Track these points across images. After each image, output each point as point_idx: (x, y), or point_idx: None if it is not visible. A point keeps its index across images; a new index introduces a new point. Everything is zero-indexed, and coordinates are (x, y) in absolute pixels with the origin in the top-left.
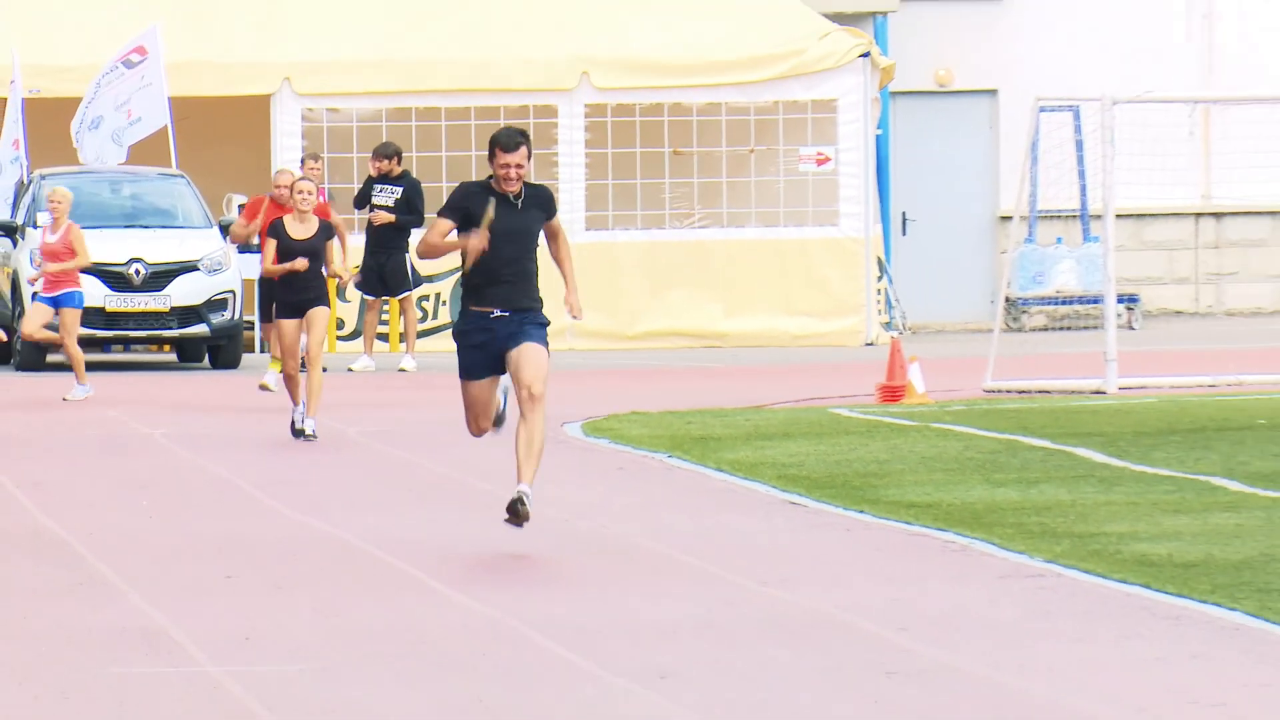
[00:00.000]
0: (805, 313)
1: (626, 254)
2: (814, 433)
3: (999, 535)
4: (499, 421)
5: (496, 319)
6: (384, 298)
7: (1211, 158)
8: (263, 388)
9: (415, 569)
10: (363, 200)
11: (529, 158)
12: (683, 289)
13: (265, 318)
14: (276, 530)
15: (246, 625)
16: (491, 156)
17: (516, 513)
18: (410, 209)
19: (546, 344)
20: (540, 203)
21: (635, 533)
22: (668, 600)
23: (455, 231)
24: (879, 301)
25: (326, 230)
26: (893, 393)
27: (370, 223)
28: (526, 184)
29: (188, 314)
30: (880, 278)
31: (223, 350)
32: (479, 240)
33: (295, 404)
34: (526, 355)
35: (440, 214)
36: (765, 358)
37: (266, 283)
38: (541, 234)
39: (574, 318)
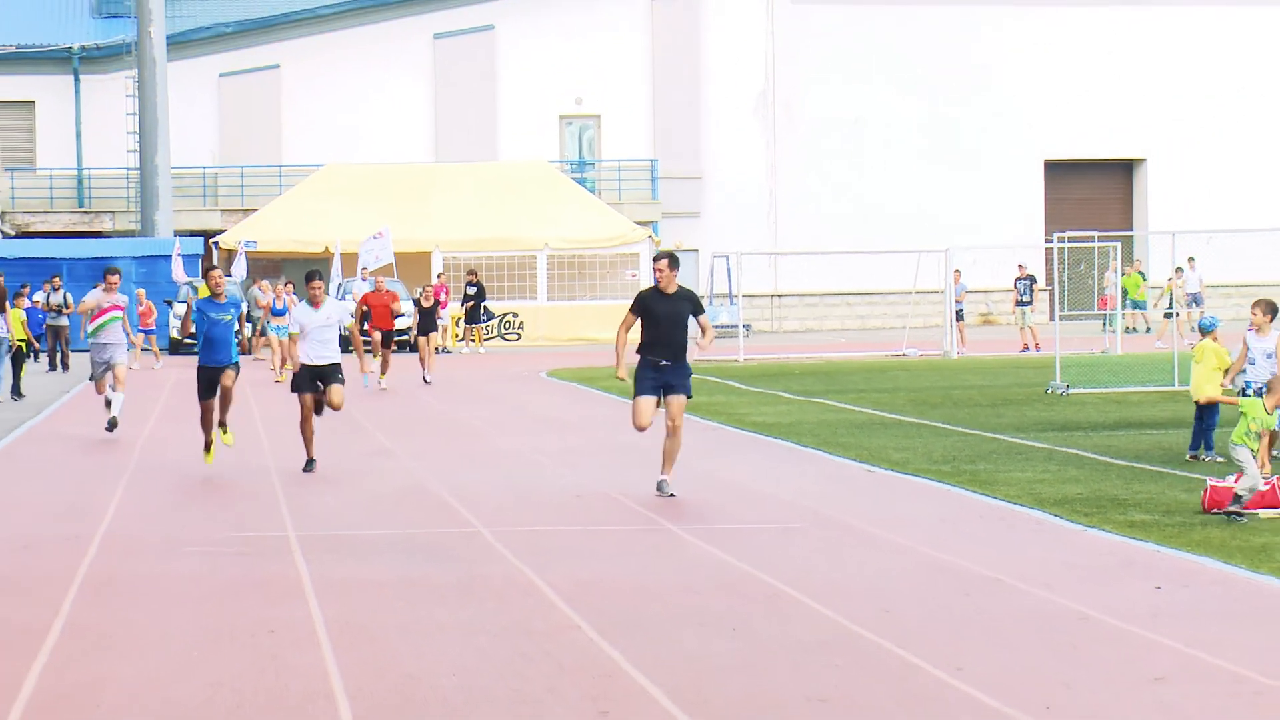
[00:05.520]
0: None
1: (581, 311)
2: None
3: (700, 415)
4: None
5: (663, 365)
6: (471, 326)
7: (778, 272)
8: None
9: (487, 428)
10: (465, 295)
11: (674, 267)
12: (587, 323)
13: (420, 333)
14: (431, 413)
15: (424, 449)
16: (655, 268)
17: (661, 489)
18: (480, 295)
19: (690, 390)
20: (689, 299)
21: (545, 406)
22: (568, 436)
23: (638, 321)
24: None
25: (437, 303)
26: None
27: (465, 297)
28: (681, 286)
29: (401, 332)
30: None
31: (409, 346)
32: (621, 375)
33: (424, 369)
34: (675, 401)
35: (630, 310)
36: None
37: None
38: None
39: (700, 347)
